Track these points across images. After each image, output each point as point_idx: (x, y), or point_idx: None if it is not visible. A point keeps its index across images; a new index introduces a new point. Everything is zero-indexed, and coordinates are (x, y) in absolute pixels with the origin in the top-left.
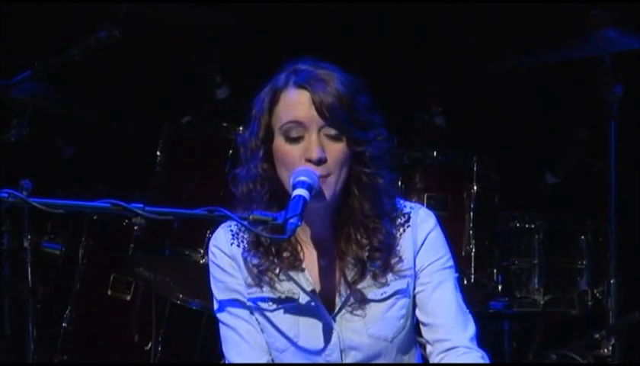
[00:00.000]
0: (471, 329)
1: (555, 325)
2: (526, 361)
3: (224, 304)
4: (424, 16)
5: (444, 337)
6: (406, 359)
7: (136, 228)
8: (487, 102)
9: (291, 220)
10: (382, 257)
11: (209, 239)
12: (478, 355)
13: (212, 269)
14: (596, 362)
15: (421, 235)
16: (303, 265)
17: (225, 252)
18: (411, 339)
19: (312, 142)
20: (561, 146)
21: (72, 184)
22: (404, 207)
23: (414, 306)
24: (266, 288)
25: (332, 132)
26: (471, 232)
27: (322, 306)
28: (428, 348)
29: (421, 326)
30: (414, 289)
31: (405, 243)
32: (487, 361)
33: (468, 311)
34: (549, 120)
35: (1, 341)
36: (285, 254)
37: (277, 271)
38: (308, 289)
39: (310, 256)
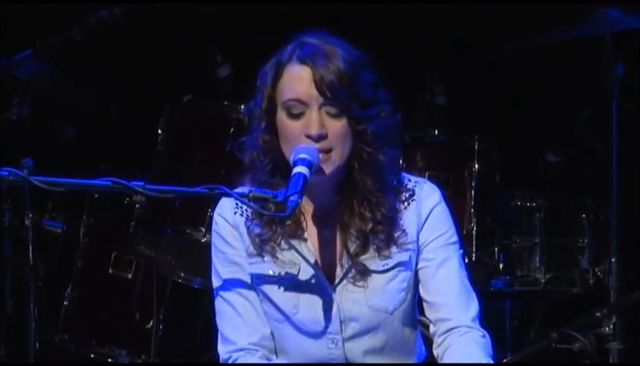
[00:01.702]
0: (473, 308)
1: (556, 303)
2: (527, 340)
3: (222, 277)
4: None
5: (446, 316)
6: (407, 333)
7: (137, 206)
8: (488, 81)
9: (291, 198)
10: (384, 230)
11: (211, 217)
12: (479, 335)
13: (214, 238)
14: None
15: (426, 209)
16: (305, 235)
17: (229, 221)
18: (412, 315)
19: (312, 119)
20: (563, 126)
21: (74, 163)
22: (409, 181)
23: (417, 281)
24: (267, 258)
25: (333, 110)
26: (472, 210)
27: (323, 277)
28: (431, 327)
29: (424, 304)
30: (417, 264)
31: (409, 217)
32: (487, 340)
33: (472, 289)
34: (551, 99)
35: (3, 319)
36: (287, 223)
37: (279, 240)
38: (310, 259)
39: (312, 227)
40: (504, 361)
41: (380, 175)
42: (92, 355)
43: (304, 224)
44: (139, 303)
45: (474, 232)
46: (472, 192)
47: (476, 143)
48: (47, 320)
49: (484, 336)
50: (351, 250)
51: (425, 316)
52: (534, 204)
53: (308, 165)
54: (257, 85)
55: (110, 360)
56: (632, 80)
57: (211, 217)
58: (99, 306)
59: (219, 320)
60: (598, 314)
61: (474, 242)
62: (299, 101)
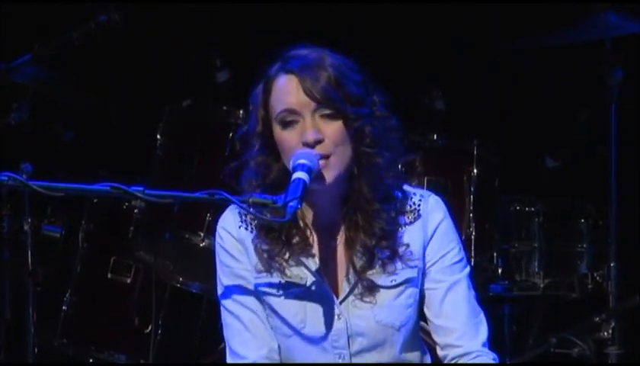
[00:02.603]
0: (483, 332)
1: (555, 308)
2: (526, 345)
3: (229, 290)
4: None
5: (457, 343)
6: (413, 348)
7: (136, 211)
8: (487, 85)
9: (291, 203)
10: (389, 245)
11: (209, 222)
12: (489, 358)
13: (219, 252)
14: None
15: (431, 225)
16: (313, 250)
17: (233, 235)
18: (416, 330)
19: (306, 126)
20: (562, 130)
21: (73, 167)
22: (414, 195)
23: (422, 299)
24: (275, 274)
25: (326, 112)
26: (471, 215)
27: (330, 292)
28: (439, 351)
29: (431, 326)
30: (424, 282)
31: (414, 232)
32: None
33: (480, 310)
34: (550, 103)
35: (2, 324)
36: (295, 240)
37: (287, 256)
38: (317, 274)
39: (319, 242)
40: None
41: (379, 182)
42: (91, 360)
43: (311, 239)
44: (138, 308)
45: (473, 237)
46: (471, 197)
47: (475, 148)
48: (46, 325)
49: (494, 360)
50: (357, 266)
51: (427, 323)
52: (533, 209)
53: (308, 170)
54: (249, 109)
55: (109, 364)
56: (631, 83)
57: (210, 222)
58: (98, 311)
59: (226, 334)
60: (597, 319)
61: (472, 247)
62: (291, 111)
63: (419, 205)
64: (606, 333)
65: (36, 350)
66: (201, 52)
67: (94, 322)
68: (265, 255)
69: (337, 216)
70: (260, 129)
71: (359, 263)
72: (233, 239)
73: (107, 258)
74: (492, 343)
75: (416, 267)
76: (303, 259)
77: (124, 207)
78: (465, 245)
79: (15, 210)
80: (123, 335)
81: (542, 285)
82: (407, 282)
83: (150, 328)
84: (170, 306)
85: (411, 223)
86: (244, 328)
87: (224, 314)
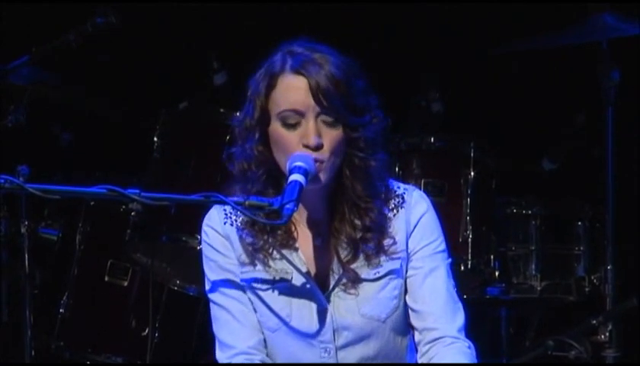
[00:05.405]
0: (460, 319)
1: (552, 311)
2: (523, 347)
3: (216, 284)
4: (422, 1)
5: (432, 326)
6: (399, 341)
7: (132, 214)
8: (484, 88)
9: (287, 206)
10: (374, 238)
11: None
12: (464, 345)
13: (205, 249)
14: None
15: (414, 217)
16: (297, 245)
17: (219, 232)
18: (404, 322)
19: (309, 129)
20: (559, 132)
21: (70, 170)
22: (398, 188)
23: (406, 289)
24: (259, 267)
25: (329, 119)
26: (468, 218)
27: (315, 286)
28: (416, 335)
29: (410, 312)
30: (407, 271)
31: (398, 224)
32: (473, 352)
33: (458, 300)
34: (547, 105)
35: None
36: (279, 233)
37: (271, 249)
38: (302, 268)
39: (304, 236)
40: None
41: (370, 181)
42: (88, 363)
43: (295, 234)
44: (135, 311)
45: (469, 239)
46: (468, 199)
47: (472, 150)
48: (43, 328)
49: (469, 347)
50: (342, 257)
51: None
52: (530, 212)
53: (305, 173)
54: (247, 95)
55: None
56: (628, 86)
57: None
58: (95, 314)
59: (215, 327)
60: (594, 322)
61: (469, 250)
62: (296, 111)
63: (403, 197)
64: (603, 336)
65: (33, 353)
66: (199, 54)
67: (91, 325)
68: (249, 248)
69: (323, 212)
70: (258, 117)
71: (343, 254)
72: (219, 235)
73: (104, 260)
74: (489, 346)
75: (399, 258)
76: (287, 254)
77: (121, 209)
78: (462, 247)
79: (12, 213)
80: (120, 338)
81: (539, 288)
82: (390, 274)
83: (147, 330)
84: (167, 309)
85: (395, 215)
86: (233, 318)
87: (213, 308)
